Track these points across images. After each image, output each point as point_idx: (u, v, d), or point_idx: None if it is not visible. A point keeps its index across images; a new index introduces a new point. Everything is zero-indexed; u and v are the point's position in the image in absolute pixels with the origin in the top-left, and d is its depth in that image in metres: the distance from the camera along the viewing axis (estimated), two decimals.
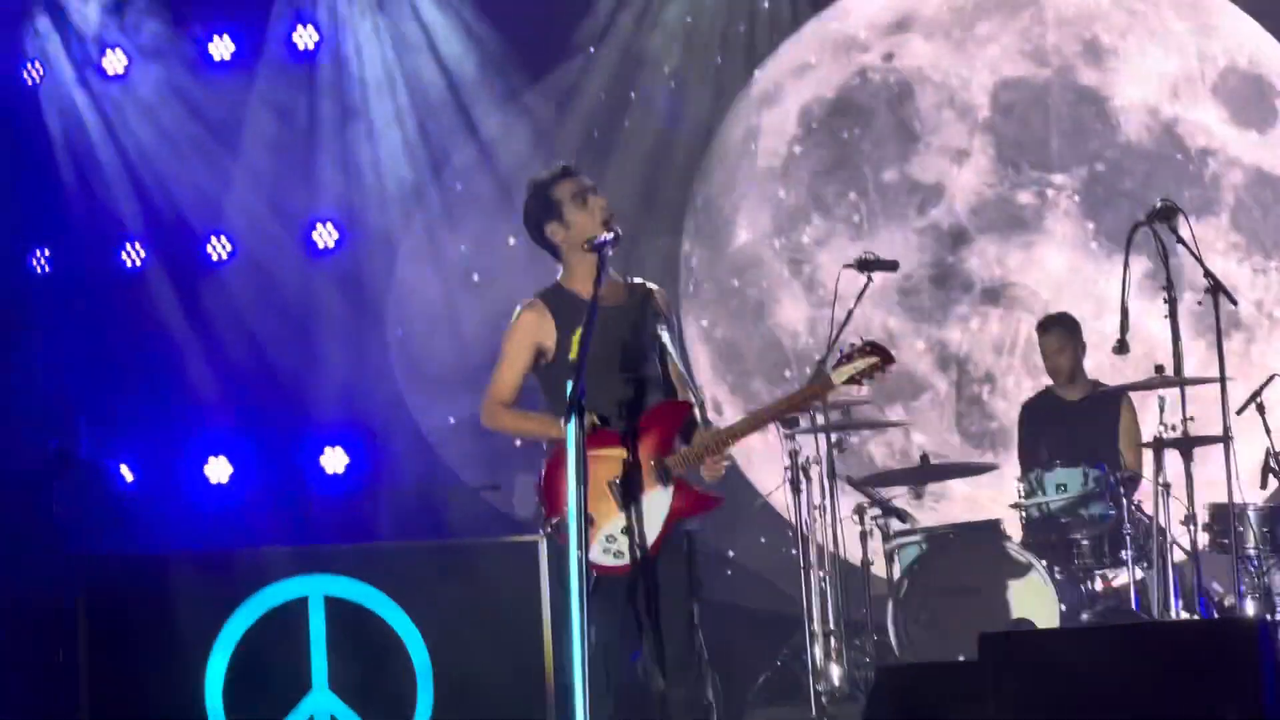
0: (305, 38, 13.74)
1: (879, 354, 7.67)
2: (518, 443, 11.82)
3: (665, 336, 7.84)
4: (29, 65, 13.64)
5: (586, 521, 7.17)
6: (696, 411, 7.83)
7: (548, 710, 9.85)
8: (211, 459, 13.51)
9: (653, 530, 7.58)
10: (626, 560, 7.53)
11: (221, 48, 13.72)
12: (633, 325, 7.77)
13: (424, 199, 13.82)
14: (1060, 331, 11.24)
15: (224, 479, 13.50)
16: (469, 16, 13.74)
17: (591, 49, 13.86)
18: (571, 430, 7.03)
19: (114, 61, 13.66)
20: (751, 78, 14.00)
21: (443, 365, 13.65)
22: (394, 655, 10.10)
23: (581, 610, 6.90)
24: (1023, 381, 12.63)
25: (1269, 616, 10.26)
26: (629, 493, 7.56)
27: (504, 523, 12.45)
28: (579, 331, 7.36)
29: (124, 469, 13.21)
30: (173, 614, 10.09)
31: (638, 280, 7.99)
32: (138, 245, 13.67)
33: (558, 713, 9.69)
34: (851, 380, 7.65)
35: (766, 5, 13.89)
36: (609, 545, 7.52)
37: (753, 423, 7.79)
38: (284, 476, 13.48)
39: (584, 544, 6.95)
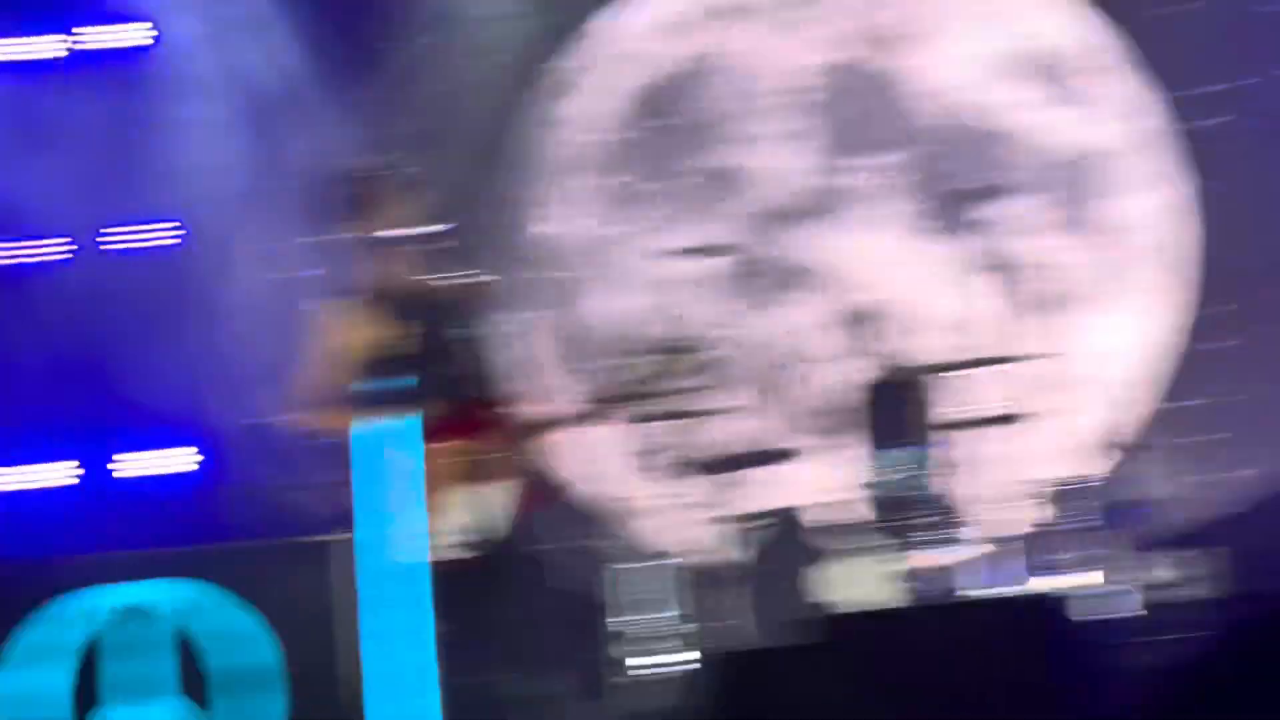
0: (131, 35, 13.55)
1: (702, 346, 7.72)
2: (331, 441, 11.72)
3: (488, 328, 7.82)
4: None
5: (423, 516, 7.18)
6: (529, 403, 7.82)
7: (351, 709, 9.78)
8: (45, 463, 13.31)
9: (495, 523, 7.55)
10: (467, 554, 7.50)
11: (43, 45, 13.51)
12: (454, 318, 7.73)
13: (255, 196, 13.68)
14: (870, 323, 11.32)
15: (62, 482, 13.31)
16: (293, 8, 13.63)
17: (417, 40, 13.77)
18: (398, 427, 7.00)
19: None
20: (568, 67, 13.96)
21: (277, 361, 13.51)
22: (238, 656, 9.99)
23: (416, 607, 6.87)
24: (851, 365, 12.68)
25: (1105, 588, 10.38)
26: (468, 486, 7.54)
27: (347, 520, 12.34)
28: (398, 326, 7.34)
29: None
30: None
31: (456, 273, 7.93)
32: None
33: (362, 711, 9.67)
34: (677, 373, 7.70)
35: None
36: (452, 539, 7.48)
37: (585, 414, 7.80)
38: (110, 480, 13.31)
39: (420, 539, 6.94)
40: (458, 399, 7.55)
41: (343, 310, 7.73)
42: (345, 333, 7.72)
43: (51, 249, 13.45)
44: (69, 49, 13.52)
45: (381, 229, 7.62)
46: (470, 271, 7.89)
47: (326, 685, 9.94)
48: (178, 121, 13.60)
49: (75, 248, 13.47)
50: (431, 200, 7.97)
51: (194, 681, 9.95)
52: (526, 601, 7.58)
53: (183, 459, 13.42)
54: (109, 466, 13.32)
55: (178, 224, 13.54)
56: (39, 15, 13.52)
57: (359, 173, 7.81)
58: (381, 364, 7.45)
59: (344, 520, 11.83)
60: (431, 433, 7.35)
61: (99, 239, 13.51)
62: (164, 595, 10.03)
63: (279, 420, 13.06)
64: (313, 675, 9.94)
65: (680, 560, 11.20)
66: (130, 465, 13.33)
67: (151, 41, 13.58)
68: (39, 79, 13.49)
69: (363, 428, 7.01)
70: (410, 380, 7.04)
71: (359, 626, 9.82)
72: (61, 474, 13.37)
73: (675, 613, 10.78)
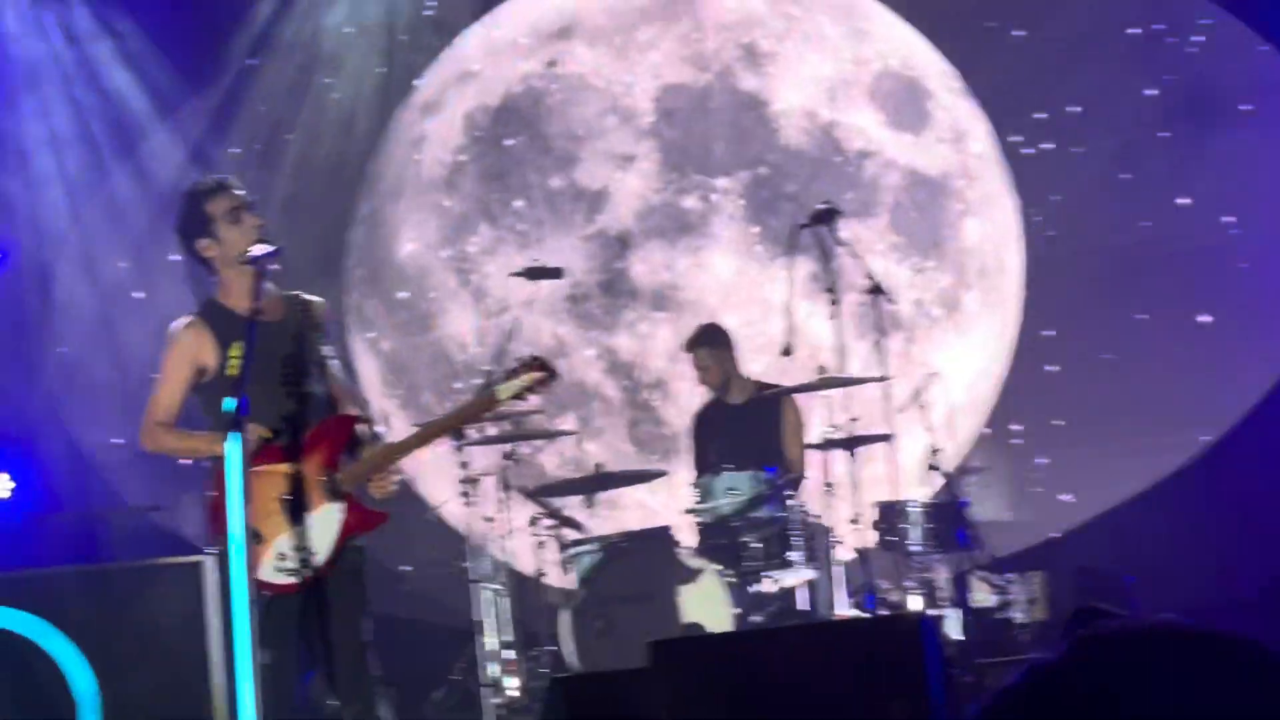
0: None
1: (543, 369, 7.66)
2: (181, 462, 11.59)
3: (326, 350, 7.73)
4: None
5: (254, 539, 7.05)
6: (364, 426, 7.73)
7: None
8: None
9: (324, 547, 7.44)
10: (295, 579, 7.39)
11: None
12: (293, 339, 7.62)
13: (82, 216, 13.52)
14: (704, 349, 11.29)
15: None
16: (122, 30, 13.48)
17: (250, 60, 13.65)
18: (233, 448, 6.87)
19: None
20: (414, 86, 13.89)
21: (104, 384, 13.36)
22: (58, 685, 9.82)
23: (250, 632, 6.76)
24: (694, 388, 12.66)
25: (931, 611, 10.42)
26: (298, 509, 7.42)
27: (169, 543, 12.19)
28: (237, 347, 7.23)
29: None
30: None
31: (296, 293, 7.84)
32: None
33: None
34: (517, 395, 7.64)
35: (429, 13, 13.81)
36: (280, 563, 7.37)
37: (421, 438, 7.72)
38: None
39: (251, 563, 6.82)
40: (298, 420, 7.45)
41: (187, 330, 7.61)
42: (190, 353, 7.61)
43: None
44: None
45: (227, 248, 7.51)
46: (306, 294, 7.81)
47: (141, 709, 9.81)
48: (8, 138, 13.43)
49: None
50: (273, 220, 7.88)
51: (7, 712, 9.78)
52: (352, 625, 7.48)
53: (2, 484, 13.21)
54: None
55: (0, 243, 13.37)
56: None
57: (204, 190, 7.67)
58: (220, 385, 7.33)
59: (179, 545, 11.78)
60: (267, 454, 7.24)
61: None
62: None
63: (124, 441, 13.04)
64: (127, 700, 9.81)
65: (523, 584, 11.14)
66: None
67: None
68: None
69: (222, 447, 6.89)
70: (233, 402, 6.91)
71: (214, 652, 9.80)
72: None
73: (519, 637, 10.69)
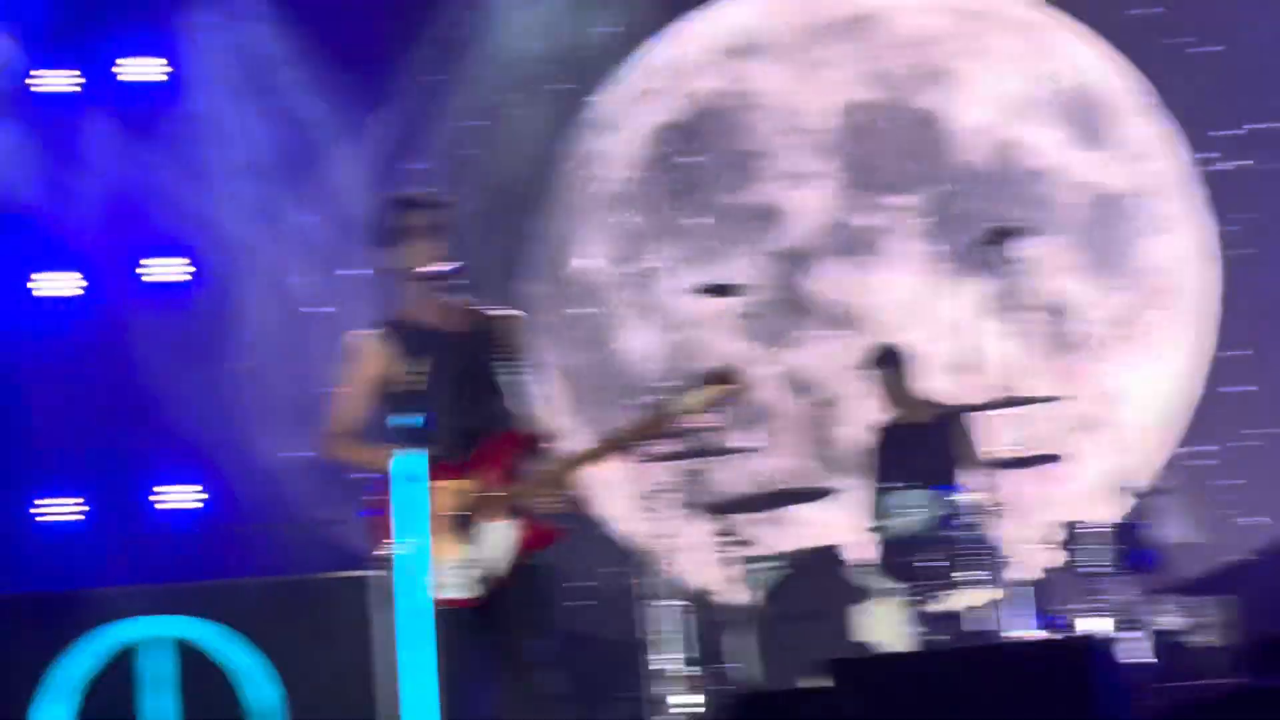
0: (149, 70, 13.60)
1: (730, 381, 7.59)
2: (354, 475, 11.72)
3: (512, 365, 7.74)
4: None
5: (425, 555, 7.11)
6: (540, 441, 7.74)
7: None
8: (52, 498, 13.30)
9: (498, 562, 7.48)
10: (470, 593, 7.43)
11: (64, 79, 13.56)
12: (475, 354, 7.67)
13: (266, 231, 13.70)
14: (881, 368, 11.25)
15: (64, 518, 13.30)
16: (306, 46, 13.65)
17: (434, 76, 13.78)
18: (408, 463, 6.95)
19: None
20: (589, 103, 13.95)
21: (285, 398, 13.51)
22: (236, 693, 9.95)
23: (423, 646, 6.82)
24: (870, 405, 12.61)
25: (1111, 633, 10.30)
26: (471, 524, 7.46)
27: (348, 557, 12.31)
28: (415, 361, 7.30)
29: None
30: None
31: (486, 308, 7.87)
32: None
33: None
34: (700, 410, 7.59)
35: (604, 29, 13.86)
36: (451, 578, 7.41)
37: (595, 454, 7.69)
38: (124, 515, 13.29)
39: (425, 578, 6.88)
40: (477, 435, 7.49)
41: (370, 343, 7.70)
42: (372, 366, 7.69)
43: (68, 284, 13.49)
44: (83, 84, 13.57)
45: (414, 262, 7.58)
46: (498, 307, 7.85)
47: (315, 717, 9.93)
48: (194, 156, 13.64)
49: (85, 284, 13.50)
50: (460, 236, 7.92)
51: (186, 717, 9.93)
52: (529, 640, 7.49)
53: (191, 495, 13.41)
54: (151, 499, 13.37)
55: (189, 260, 13.57)
56: (56, 48, 13.56)
57: (396, 205, 7.75)
58: (401, 398, 7.40)
59: (354, 558, 11.87)
60: (444, 469, 7.28)
61: (123, 274, 13.57)
62: (169, 631, 10.00)
63: (306, 454, 13.19)
64: (306, 710, 9.92)
65: (697, 600, 11.14)
66: (166, 498, 13.36)
67: (166, 78, 13.62)
68: (57, 113, 13.54)
69: (393, 462, 6.95)
70: (419, 417, 6.97)
71: (381, 665, 9.90)
72: (73, 508, 13.37)
73: (695, 653, 10.69)
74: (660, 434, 9.92)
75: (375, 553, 7.56)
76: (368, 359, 7.75)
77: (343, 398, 7.79)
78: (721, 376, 7.59)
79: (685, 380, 7.71)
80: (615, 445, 7.79)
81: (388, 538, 7.40)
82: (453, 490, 7.40)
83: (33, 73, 13.45)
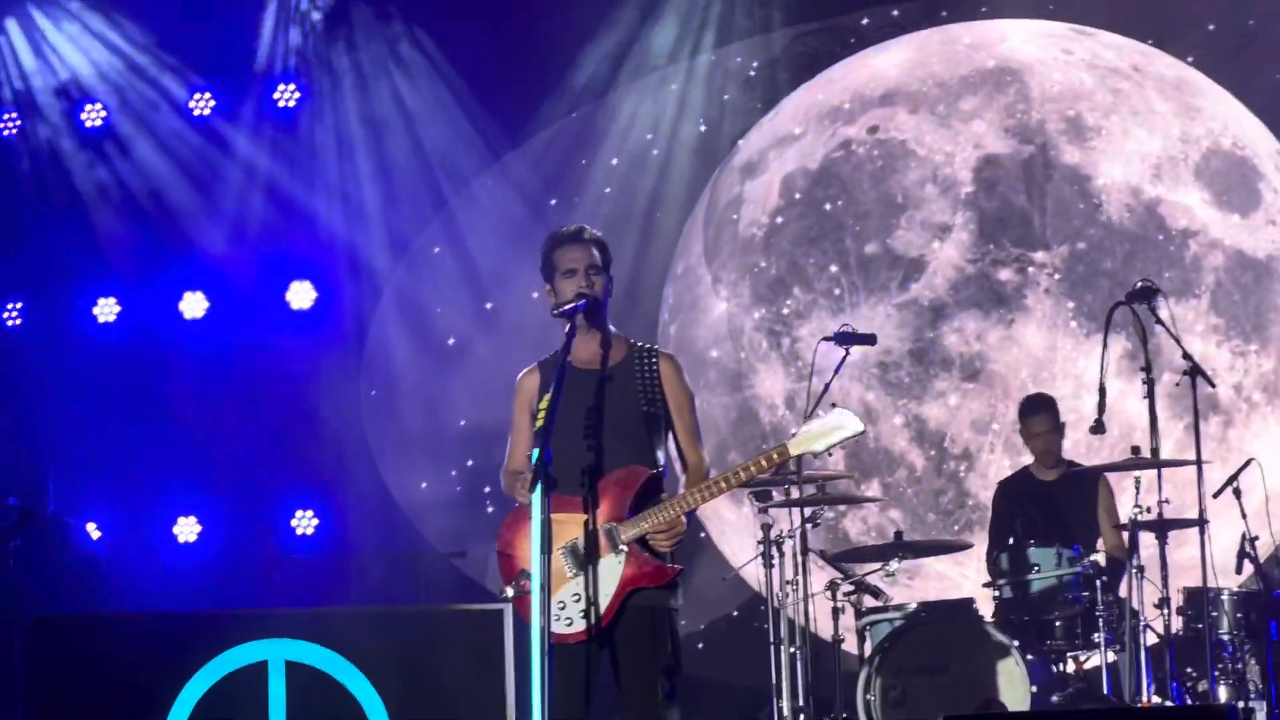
0: (286, 96, 13.77)
1: (844, 425, 7.56)
2: (490, 509, 11.79)
3: (652, 403, 7.71)
4: (5, 117, 13.67)
5: (544, 587, 7.14)
6: (661, 480, 7.72)
7: None
8: (180, 519, 13.45)
9: (604, 598, 7.47)
10: (577, 629, 7.43)
11: (202, 104, 13.75)
12: (605, 389, 7.67)
13: (400, 261, 13.82)
14: (1047, 414, 11.15)
15: (192, 539, 13.45)
16: (447, 84, 13.77)
17: (573, 114, 13.86)
18: (536, 499, 6.97)
19: (93, 114, 13.68)
20: (735, 147, 13.99)
21: (414, 429, 13.61)
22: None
23: (543, 679, 6.83)
24: (1000, 460, 12.55)
25: (1240, 703, 10.15)
26: (581, 559, 7.47)
27: (473, 590, 12.38)
28: (547, 398, 7.33)
29: (91, 527, 13.11)
30: (130, 676, 9.99)
31: (645, 344, 7.88)
32: (112, 301, 13.65)
33: None
34: (816, 451, 7.54)
35: (752, 74, 13.90)
36: (559, 612, 7.42)
37: (709, 491, 7.63)
38: (252, 538, 13.41)
39: (548, 613, 6.90)
40: (590, 471, 7.51)
41: (527, 379, 7.75)
42: (524, 399, 7.75)
43: (195, 306, 13.68)
44: (213, 106, 13.75)
45: (565, 298, 7.61)
46: (652, 345, 7.86)
47: None
48: (329, 182, 13.78)
49: (209, 305, 13.67)
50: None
51: None
52: (645, 679, 7.47)
53: (310, 521, 13.53)
54: (294, 524, 13.53)
55: (310, 283, 13.70)
56: (191, 70, 13.77)
57: (556, 238, 7.78)
58: (537, 433, 7.42)
59: (483, 592, 11.93)
60: (565, 503, 7.30)
61: (251, 296, 13.73)
62: (279, 654, 10.09)
63: (437, 485, 13.27)
64: None
65: (817, 647, 11.09)
66: (295, 524, 13.50)
67: (294, 104, 13.77)
68: (192, 136, 13.74)
69: (534, 495, 7.01)
70: (541, 452, 7.00)
71: (509, 697, 9.93)
72: (188, 530, 13.51)
73: (805, 701, 10.63)
74: (777, 475, 9.99)
75: (501, 588, 7.59)
76: (524, 394, 7.81)
77: (512, 434, 7.85)
78: (839, 418, 7.56)
79: (803, 422, 7.69)
80: (726, 486, 7.74)
81: (513, 571, 7.47)
82: (563, 524, 7.42)
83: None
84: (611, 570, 7.47)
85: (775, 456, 7.62)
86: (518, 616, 7.60)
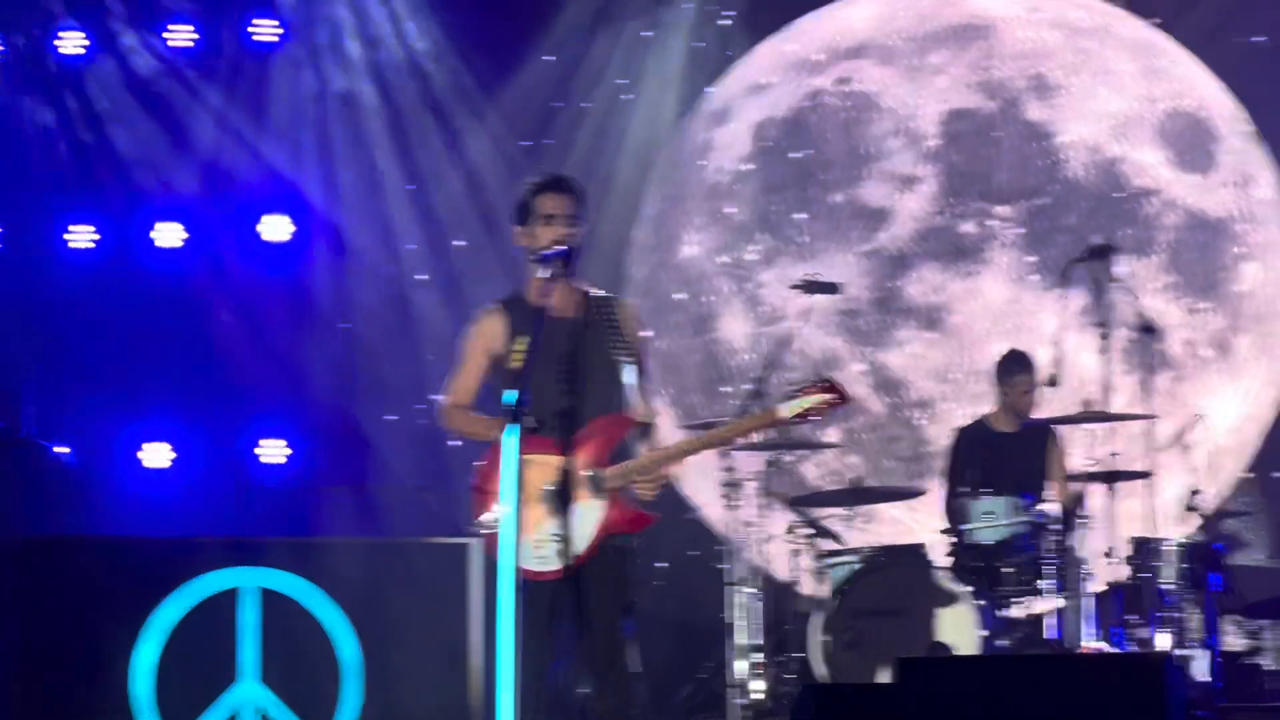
0: (265, 30, 13.82)
1: (835, 393, 7.75)
2: (457, 443, 11.92)
3: (620, 350, 7.89)
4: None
5: (515, 526, 7.37)
6: (647, 428, 7.91)
7: (472, 711, 9.98)
8: (152, 445, 13.56)
9: (582, 540, 7.66)
10: (553, 567, 7.62)
11: (181, 36, 13.79)
12: (582, 337, 7.83)
13: (375, 196, 13.92)
14: (1028, 376, 11.31)
15: (164, 464, 13.56)
16: (428, 23, 13.88)
17: (550, 58, 13.98)
18: (510, 439, 7.15)
19: (71, 42, 13.72)
20: (704, 94, 14.12)
21: (384, 363, 13.74)
22: (325, 649, 10.22)
23: (514, 614, 7.02)
24: (958, 409, 12.75)
25: (1179, 651, 10.42)
26: (561, 500, 7.66)
27: (439, 523, 12.53)
28: (522, 341, 7.49)
29: (64, 450, 13.23)
30: (105, 599, 10.18)
31: (603, 293, 8.06)
32: (90, 228, 13.73)
33: (484, 713, 9.84)
34: (802, 416, 7.72)
35: (725, 23, 14.03)
36: (535, 551, 7.59)
37: (696, 445, 7.85)
38: (223, 465, 13.55)
39: (515, 549, 7.09)
40: (577, 416, 7.69)
41: (488, 319, 7.87)
42: (487, 341, 7.88)
43: (172, 235, 13.77)
44: (196, 39, 13.80)
45: (539, 243, 7.74)
46: (612, 293, 8.01)
47: (402, 680, 10.18)
48: (308, 117, 13.86)
49: (187, 236, 13.77)
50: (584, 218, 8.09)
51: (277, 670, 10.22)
52: (610, 620, 7.69)
53: (280, 451, 13.65)
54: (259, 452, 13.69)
55: (289, 218, 13.81)
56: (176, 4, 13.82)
57: (537, 184, 7.89)
58: (508, 374, 7.56)
59: (447, 525, 12.09)
60: (541, 445, 7.47)
61: (227, 229, 13.83)
62: (251, 582, 10.28)
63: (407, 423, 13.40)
64: (389, 670, 10.19)
65: (775, 589, 11.31)
66: (265, 452, 13.65)
67: (277, 39, 13.83)
68: (170, 67, 13.79)
69: (500, 433, 7.17)
70: (513, 394, 7.17)
71: (474, 630, 10.14)
72: (163, 456, 13.64)
73: (761, 641, 10.85)
74: (761, 432, 10.18)
75: (474, 522, 7.76)
76: (484, 334, 7.93)
77: (460, 369, 8.00)
78: (832, 385, 7.73)
79: (794, 382, 7.86)
80: (714, 440, 7.97)
81: (487, 508, 7.66)
82: (548, 466, 7.60)
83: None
84: (592, 514, 7.66)
85: (766, 418, 7.84)
86: (488, 551, 7.80)
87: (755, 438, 10.80)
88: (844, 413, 7.74)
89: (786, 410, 7.70)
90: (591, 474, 7.68)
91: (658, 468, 7.72)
